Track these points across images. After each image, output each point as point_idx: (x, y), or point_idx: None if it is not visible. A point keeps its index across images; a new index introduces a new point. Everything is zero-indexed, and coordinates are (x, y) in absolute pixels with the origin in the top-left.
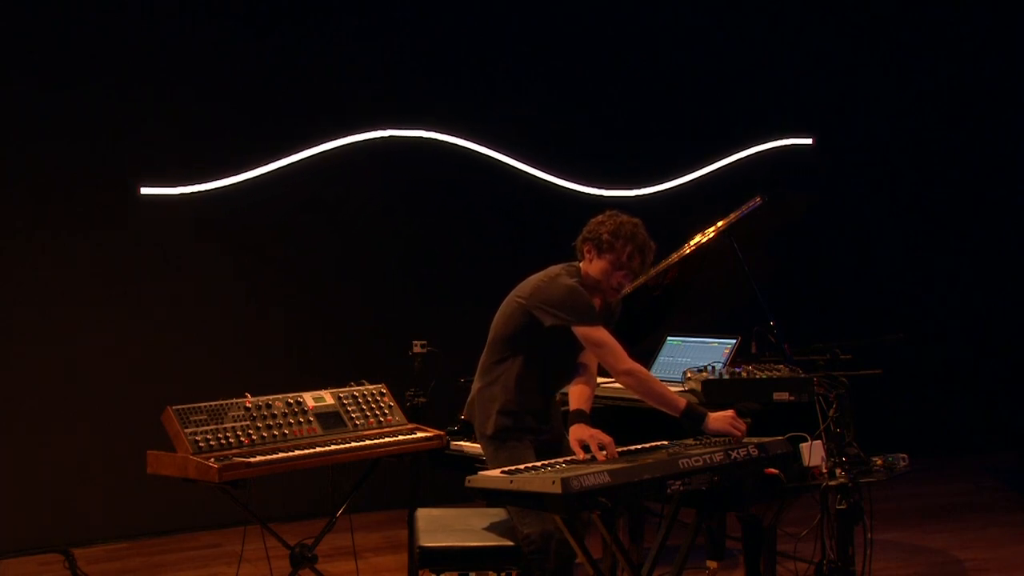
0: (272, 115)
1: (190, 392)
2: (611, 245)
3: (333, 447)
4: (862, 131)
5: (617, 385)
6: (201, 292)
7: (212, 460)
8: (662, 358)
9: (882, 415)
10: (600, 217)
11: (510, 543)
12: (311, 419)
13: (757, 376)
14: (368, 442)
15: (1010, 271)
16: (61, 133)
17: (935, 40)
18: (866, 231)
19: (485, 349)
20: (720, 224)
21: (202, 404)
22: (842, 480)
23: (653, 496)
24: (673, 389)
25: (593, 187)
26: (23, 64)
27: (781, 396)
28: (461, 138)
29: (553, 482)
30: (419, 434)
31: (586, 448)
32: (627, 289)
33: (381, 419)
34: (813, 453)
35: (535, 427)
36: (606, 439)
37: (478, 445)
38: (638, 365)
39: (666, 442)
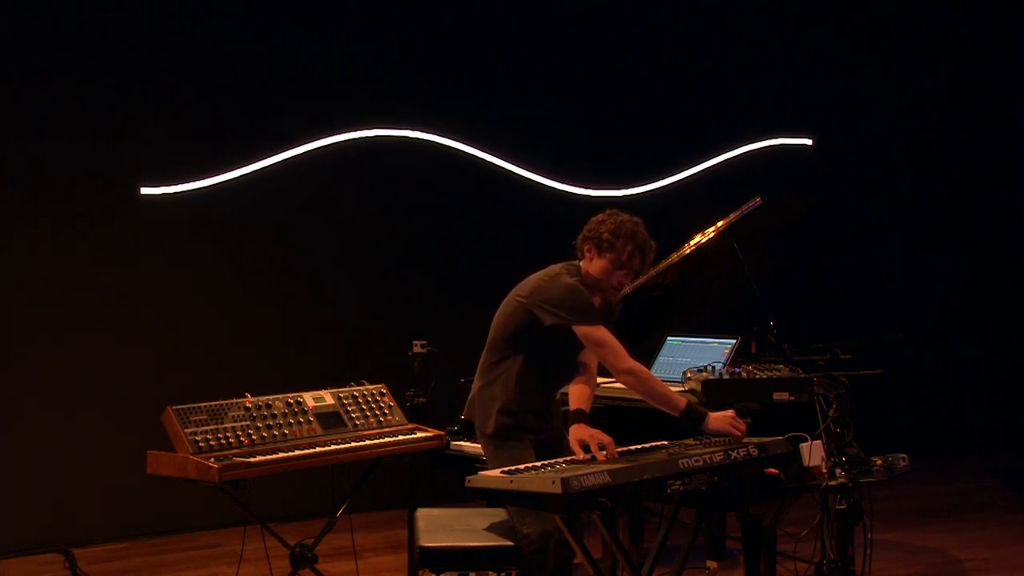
0: (272, 115)
1: (190, 392)
2: (611, 244)
3: (333, 447)
4: (862, 131)
5: (617, 385)
6: (201, 292)
7: (212, 460)
8: (662, 358)
9: (882, 415)
10: (600, 216)
11: (510, 543)
12: (311, 419)
13: (757, 376)
14: (368, 442)
15: (1010, 271)
16: (61, 133)
17: (935, 40)
18: (866, 231)
19: (485, 348)
20: (720, 224)
21: (202, 404)
22: (842, 480)
23: (653, 496)
24: (673, 389)
25: (594, 188)
26: (23, 64)
27: (781, 396)
28: (461, 137)
29: (553, 482)
30: (419, 434)
31: (586, 448)
32: (627, 289)
33: (381, 419)
34: (813, 453)
35: (536, 426)
36: (606, 439)
37: (478, 445)
38: (639, 364)
39: (666, 442)
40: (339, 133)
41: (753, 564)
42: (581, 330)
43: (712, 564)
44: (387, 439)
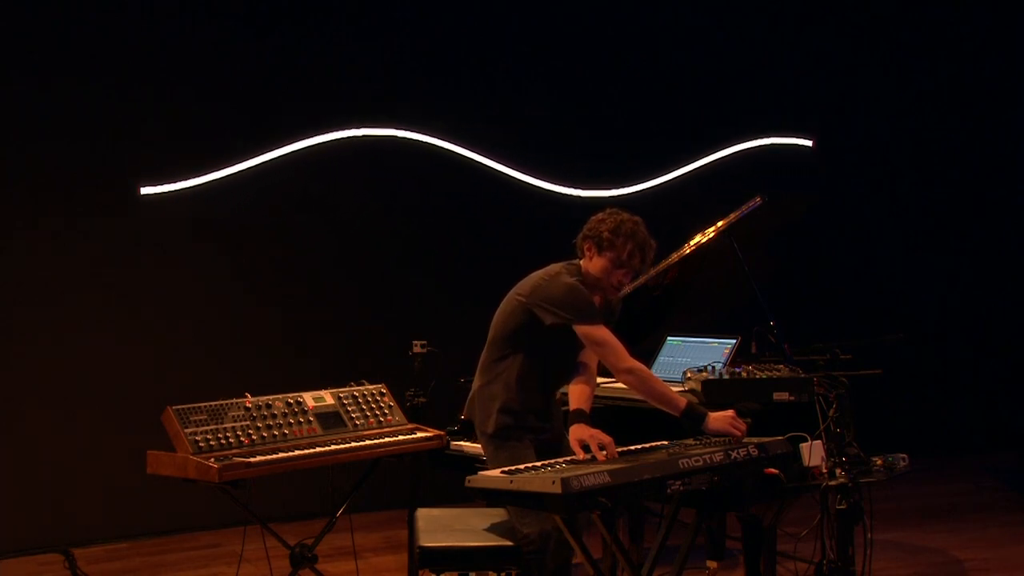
0: (272, 115)
1: (190, 392)
2: (611, 243)
3: (333, 447)
4: (862, 131)
5: (618, 385)
6: (201, 292)
7: (212, 460)
8: (662, 358)
9: (882, 415)
10: (601, 215)
11: (510, 543)
12: (311, 419)
13: (757, 376)
14: (368, 442)
15: (1010, 271)
16: (61, 133)
17: (935, 40)
18: (866, 231)
19: (485, 347)
20: (720, 224)
21: (202, 404)
22: (842, 480)
23: (653, 496)
24: (673, 389)
25: (594, 188)
26: (23, 64)
27: (781, 396)
28: (462, 137)
29: (553, 482)
30: (419, 434)
31: (586, 448)
32: (627, 289)
33: (381, 419)
34: (813, 453)
35: (536, 426)
36: (606, 439)
37: (478, 445)
38: (639, 364)
39: (666, 442)
40: (339, 132)
41: (753, 564)
42: (581, 329)
43: (712, 564)
44: (387, 439)
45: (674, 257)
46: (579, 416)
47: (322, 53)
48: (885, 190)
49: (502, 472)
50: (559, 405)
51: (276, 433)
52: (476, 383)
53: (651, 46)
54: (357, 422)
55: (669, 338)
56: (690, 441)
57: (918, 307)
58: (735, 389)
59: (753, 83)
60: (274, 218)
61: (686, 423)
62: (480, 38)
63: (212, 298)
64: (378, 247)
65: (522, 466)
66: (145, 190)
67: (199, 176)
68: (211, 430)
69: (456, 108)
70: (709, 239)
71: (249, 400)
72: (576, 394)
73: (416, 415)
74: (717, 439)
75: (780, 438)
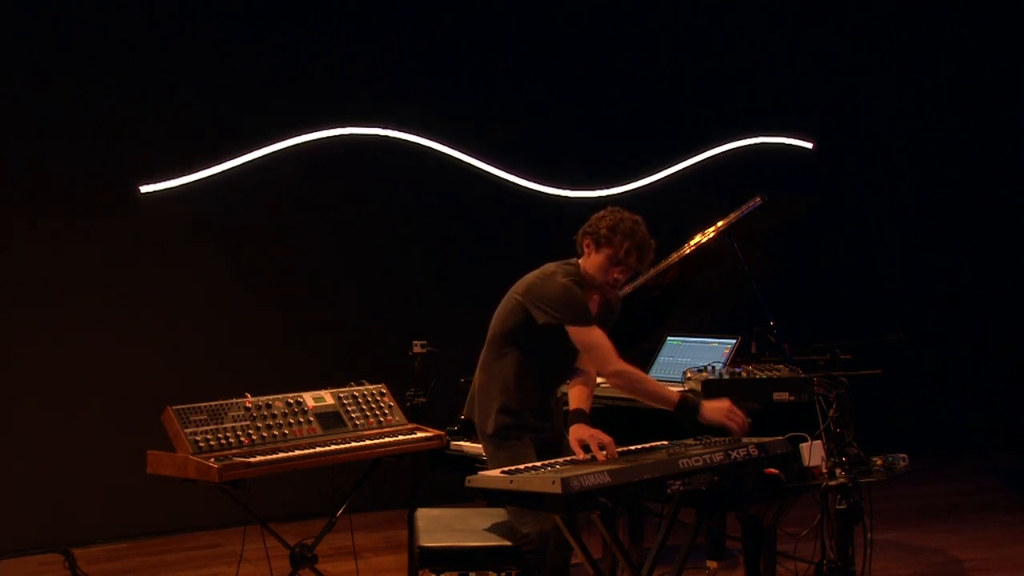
0: (272, 115)
1: (190, 392)
2: (609, 240)
3: (333, 447)
4: (862, 131)
5: None
6: (201, 292)
7: (212, 460)
8: (662, 358)
9: (882, 415)
10: (601, 212)
11: (510, 543)
12: (311, 419)
13: (757, 376)
14: (368, 442)
15: (1010, 271)
16: (61, 133)
17: (935, 40)
18: (866, 231)
19: (485, 346)
20: (720, 224)
21: (202, 404)
22: (842, 480)
23: (653, 496)
24: (673, 389)
25: (594, 188)
26: (23, 64)
27: (781, 396)
28: (462, 138)
29: (553, 482)
30: (419, 434)
31: (586, 448)
32: (627, 289)
33: (381, 419)
34: (813, 453)
35: (535, 424)
36: (606, 439)
37: (478, 445)
38: (627, 365)
39: (666, 442)
40: (338, 131)
41: (753, 564)
42: (572, 331)
43: (712, 564)
44: (387, 439)
45: (674, 257)
46: (579, 416)
47: (322, 53)
48: (885, 190)
49: (502, 472)
50: (559, 404)
51: (276, 433)
52: (475, 382)
53: (651, 46)
54: (357, 422)
55: (669, 338)
56: (690, 441)
57: (918, 307)
58: (735, 389)
59: (753, 83)
60: (274, 218)
61: (682, 417)
62: (480, 38)
63: (212, 298)
64: (378, 247)
65: (522, 466)
66: (145, 190)
67: (198, 172)
68: (211, 430)
69: (456, 108)
70: (709, 239)
71: (249, 400)
72: (576, 394)
73: (416, 415)
74: (717, 439)
75: (780, 438)
